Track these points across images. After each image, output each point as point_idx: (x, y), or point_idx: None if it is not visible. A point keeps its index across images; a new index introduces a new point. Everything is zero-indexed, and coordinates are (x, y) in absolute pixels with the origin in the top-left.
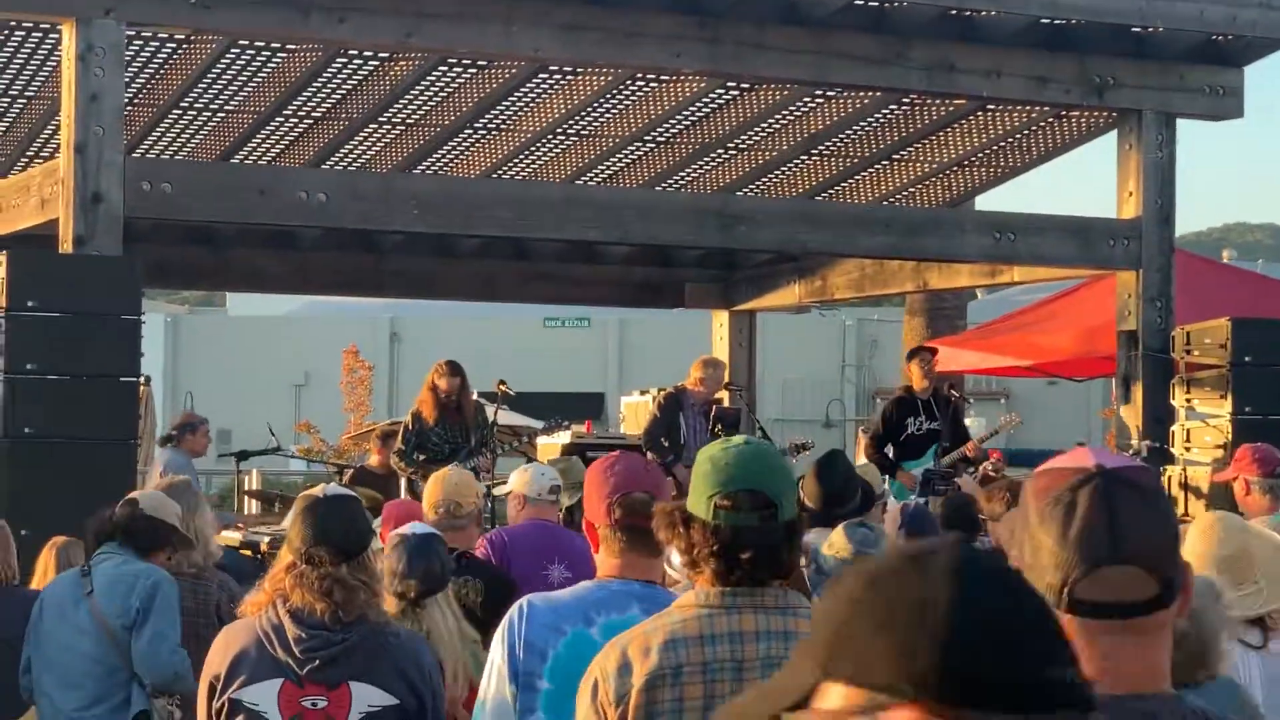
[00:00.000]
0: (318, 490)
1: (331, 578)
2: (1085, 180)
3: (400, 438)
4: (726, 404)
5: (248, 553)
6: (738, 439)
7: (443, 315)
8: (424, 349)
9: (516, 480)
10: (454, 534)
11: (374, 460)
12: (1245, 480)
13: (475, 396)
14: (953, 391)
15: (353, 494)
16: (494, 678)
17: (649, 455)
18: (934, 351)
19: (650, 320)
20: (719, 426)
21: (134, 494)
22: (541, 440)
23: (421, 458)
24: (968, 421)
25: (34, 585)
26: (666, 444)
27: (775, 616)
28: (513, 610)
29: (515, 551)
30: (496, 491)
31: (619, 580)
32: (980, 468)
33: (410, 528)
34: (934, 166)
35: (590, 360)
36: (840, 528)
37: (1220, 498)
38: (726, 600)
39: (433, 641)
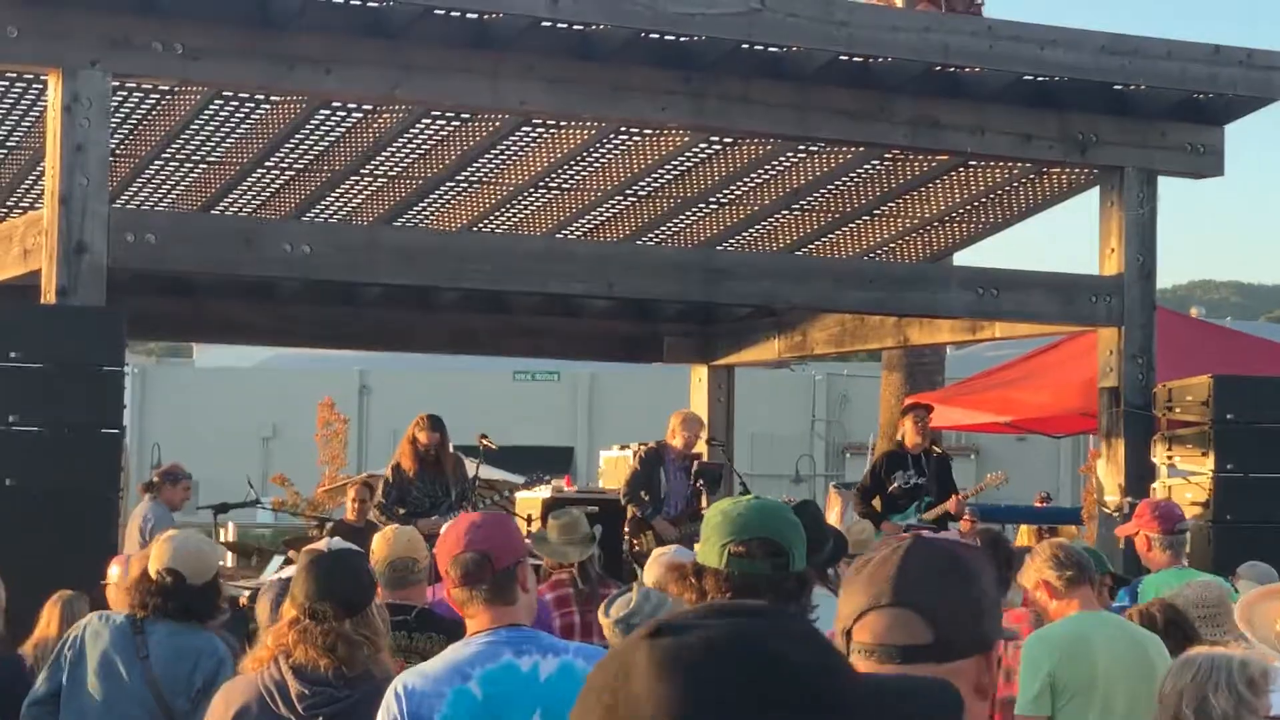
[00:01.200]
0: (321, 545)
1: (335, 633)
2: (1065, 236)
3: (381, 490)
4: (706, 458)
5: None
6: (746, 497)
7: (412, 368)
8: (393, 401)
9: None
10: (407, 590)
11: (350, 512)
12: (1146, 536)
13: (453, 450)
14: (935, 447)
15: (356, 549)
16: None
17: (629, 508)
18: (930, 409)
19: (621, 374)
20: (700, 481)
21: (173, 558)
22: (521, 495)
23: (402, 511)
24: None
25: (34, 639)
26: (646, 497)
27: None
28: (388, 694)
29: None
30: None
31: (484, 633)
32: (965, 521)
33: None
34: (915, 221)
35: (560, 414)
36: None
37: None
38: None
39: None
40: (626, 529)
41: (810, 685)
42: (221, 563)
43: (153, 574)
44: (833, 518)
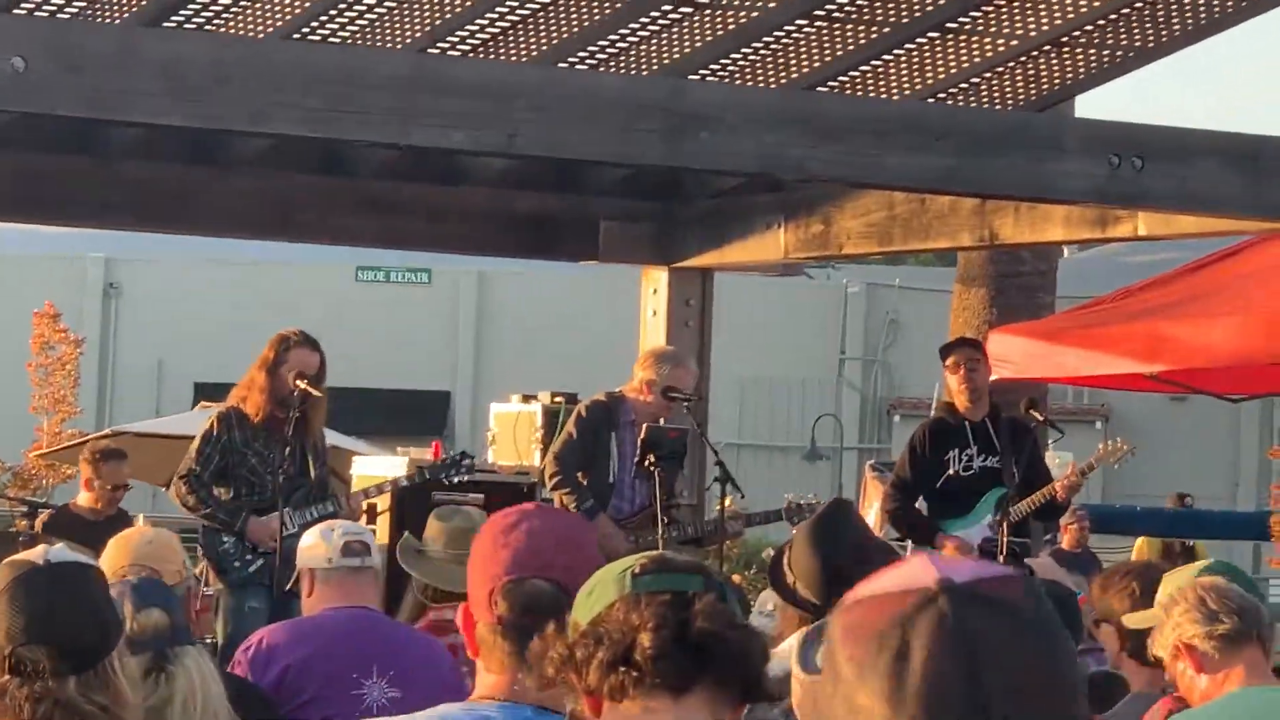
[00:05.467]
0: (35, 554)
1: (51, 699)
2: (1251, 76)
3: (195, 451)
4: (664, 422)
5: None
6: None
7: (189, 258)
8: (159, 311)
9: (302, 546)
10: None
11: (87, 496)
12: None
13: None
14: (1034, 412)
15: (93, 564)
16: None
17: (559, 499)
18: (979, 345)
19: (530, 277)
20: (651, 456)
21: None
22: (360, 470)
23: (226, 494)
24: (1052, 460)
25: None
26: (585, 482)
27: None
28: None
29: (301, 661)
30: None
31: (500, 704)
32: (1069, 528)
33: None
34: (1014, 45)
35: (430, 337)
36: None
37: None
38: None
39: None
40: None
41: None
42: None
43: None
44: (871, 518)
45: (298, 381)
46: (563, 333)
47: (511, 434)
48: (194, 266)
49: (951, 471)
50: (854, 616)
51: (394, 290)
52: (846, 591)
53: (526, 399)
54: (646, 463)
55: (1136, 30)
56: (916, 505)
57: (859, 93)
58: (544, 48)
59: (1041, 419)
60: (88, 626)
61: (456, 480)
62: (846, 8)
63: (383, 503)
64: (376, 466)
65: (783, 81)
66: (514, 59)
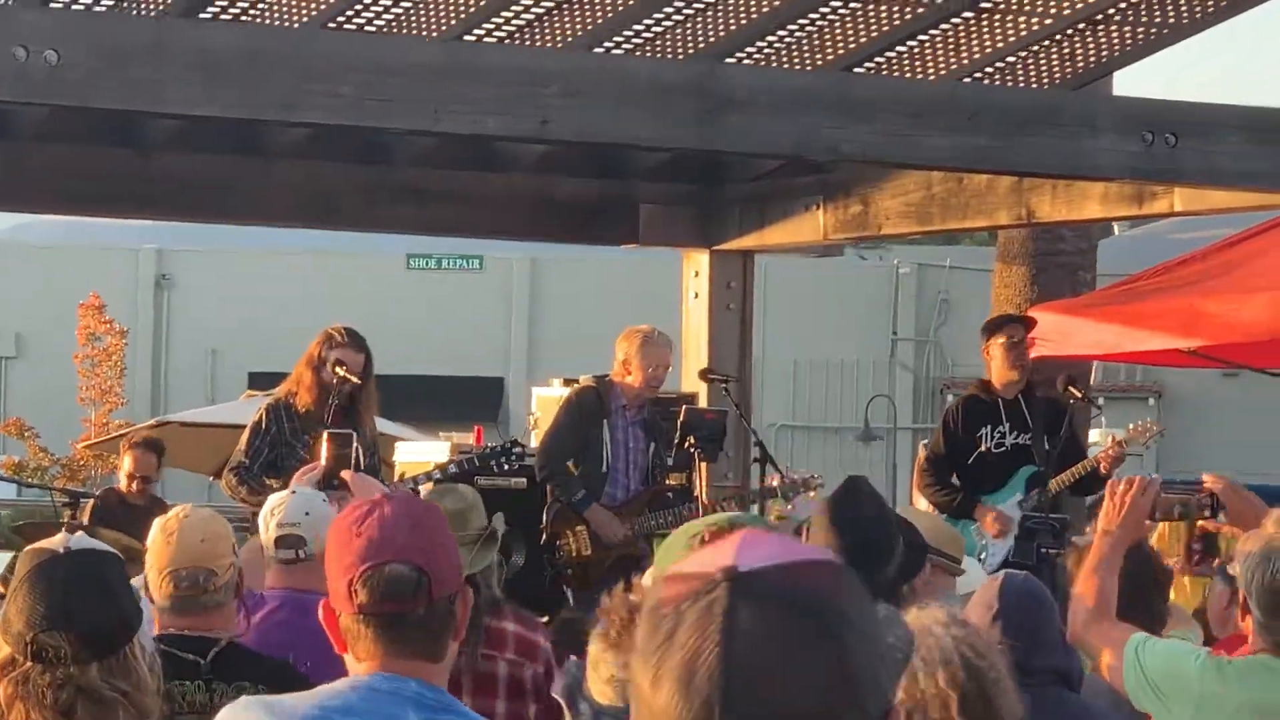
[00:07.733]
0: (55, 542)
1: (73, 685)
2: None
3: (245, 444)
4: (704, 404)
5: None
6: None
7: (240, 249)
8: (210, 302)
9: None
10: (205, 616)
11: (128, 485)
12: None
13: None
14: (1072, 389)
15: (112, 551)
16: None
17: (549, 491)
18: (1026, 323)
19: (581, 262)
20: (690, 439)
21: None
22: (401, 456)
23: (275, 483)
24: (1106, 437)
25: None
26: (577, 470)
27: None
28: None
29: None
30: None
31: (385, 675)
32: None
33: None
34: (1049, 24)
35: (483, 323)
36: None
37: None
38: None
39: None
40: (544, 521)
41: None
42: None
43: None
44: (923, 504)
45: (336, 369)
46: (616, 318)
47: (552, 416)
48: (245, 257)
49: (983, 448)
50: (654, 593)
51: (446, 277)
52: (866, 564)
53: (568, 383)
54: (686, 445)
55: (1170, 7)
56: (952, 481)
57: (896, 73)
58: (578, 33)
59: (1080, 395)
60: (106, 614)
61: (506, 468)
62: None
63: (425, 489)
64: (418, 452)
65: (819, 63)
66: (547, 43)
